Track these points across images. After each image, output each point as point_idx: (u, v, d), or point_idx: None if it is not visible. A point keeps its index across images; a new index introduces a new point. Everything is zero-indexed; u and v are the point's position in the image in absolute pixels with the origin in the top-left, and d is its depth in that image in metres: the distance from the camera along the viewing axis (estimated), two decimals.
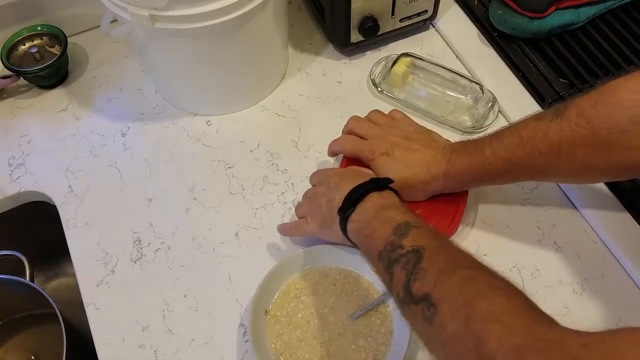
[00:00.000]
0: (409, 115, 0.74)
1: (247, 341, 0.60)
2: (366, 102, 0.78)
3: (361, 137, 0.66)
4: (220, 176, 0.72)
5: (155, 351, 0.60)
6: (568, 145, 0.52)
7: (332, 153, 0.68)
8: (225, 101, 0.77)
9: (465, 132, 0.74)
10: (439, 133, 0.75)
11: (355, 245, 0.56)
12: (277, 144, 0.75)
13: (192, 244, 0.67)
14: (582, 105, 0.52)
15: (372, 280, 0.62)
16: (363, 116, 0.69)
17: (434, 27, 0.85)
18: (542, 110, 0.59)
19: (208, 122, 0.77)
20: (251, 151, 0.74)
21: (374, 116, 0.69)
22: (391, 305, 0.60)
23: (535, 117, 0.56)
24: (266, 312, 0.60)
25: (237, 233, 0.67)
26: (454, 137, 0.74)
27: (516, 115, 0.74)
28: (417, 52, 0.79)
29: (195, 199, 0.70)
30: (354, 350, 0.58)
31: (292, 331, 0.59)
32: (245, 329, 0.61)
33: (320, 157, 0.73)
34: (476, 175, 0.58)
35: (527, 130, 0.55)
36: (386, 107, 0.77)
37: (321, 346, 0.58)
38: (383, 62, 0.80)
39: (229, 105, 0.78)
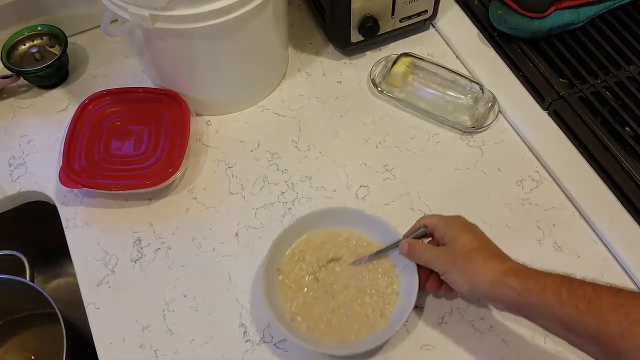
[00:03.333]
0: (409, 115, 0.74)
1: (247, 341, 0.60)
2: (366, 102, 0.78)
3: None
4: (220, 176, 0.72)
5: (155, 351, 0.60)
6: None
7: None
8: (225, 101, 0.77)
9: (465, 132, 0.74)
10: (438, 133, 0.75)
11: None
12: (277, 144, 0.75)
13: (192, 244, 0.67)
14: None
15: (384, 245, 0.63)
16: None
17: (434, 27, 0.85)
18: None
19: (208, 122, 0.77)
20: (251, 151, 0.74)
21: None
22: (398, 266, 0.61)
23: None
24: (278, 270, 0.62)
25: (237, 233, 0.68)
26: (454, 136, 0.74)
27: (516, 115, 0.75)
28: (417, 52, 0.80)
29: (195, 198, 0.70)
30: (359, 305, 0.60)
31: (306, 293, 0.61)
32: (245, 328, 0.61)
33: (320, 157, 0.73)
34: (545, 303, 0.49)
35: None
36: (386, 107, 0.77)
37: (332, 299, 0.60)
38: (383, 62, 0.80)
39: (229, 105, 0.78)
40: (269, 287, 0.59)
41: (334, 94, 0.79)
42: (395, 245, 0.61)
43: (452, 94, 0.76)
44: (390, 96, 0.77)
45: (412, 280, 0.59)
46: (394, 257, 0.62)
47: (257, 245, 0.66)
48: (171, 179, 0.68)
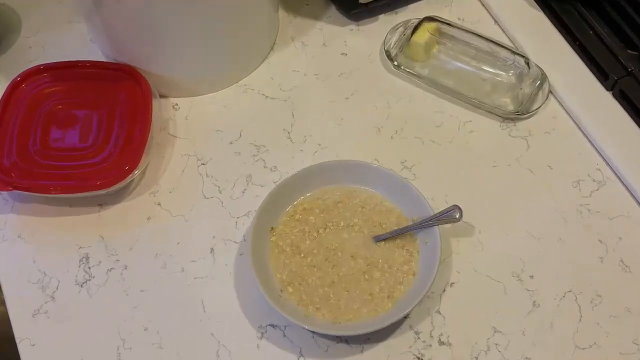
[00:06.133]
0: (434, 96, 0.74)
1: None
2: (379, 80, 0.78)
3: None
4: (191, 175, 0.72)
5: None
6: None
7: None
8: (198, 78, 0.77)
9: (506, 118, 0.74)
10: (472, 120, 0.75)
11: None
12: (264, 134, 0.75)
13: (154, 263, 0.67)
14: None
15: (407, 216, 0.65)
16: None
17: None
18: None
19: (175, 106, 0.77)
20: (231, 143, 0.74)
21: None
22: (420, 241, 0.63)
23: None
24: (272, 229, 0.64)
25: (212, 248, 0.68)
26: (491, 124, 0.74)
27: (572, 98, 0.75)
28: (445, 16, 0.80)
29: (158, 204, 0.70)
30: (366, 281, 0.62)
31: (303, 259, 0.63)
32: None
33: (319, 151, 0.73)
34: None
35: None
36: (405, 87, 0.77)
37: (332, 268, 0.63)
38: (401, 29, 0.80)
39: (202, 83, 0.78)
40: (257, 249, 0.62)
41: (338, 69, 0.79)
42: (425, 223, 0.63)
43: (490, 69, 0.76)
44: (410, 72, 0.77)
45: (433, 261, 0.61)
46: (417, 230, 0.64)
47: (238, 264, 0.66)
48: (128, 179, 0.68)
